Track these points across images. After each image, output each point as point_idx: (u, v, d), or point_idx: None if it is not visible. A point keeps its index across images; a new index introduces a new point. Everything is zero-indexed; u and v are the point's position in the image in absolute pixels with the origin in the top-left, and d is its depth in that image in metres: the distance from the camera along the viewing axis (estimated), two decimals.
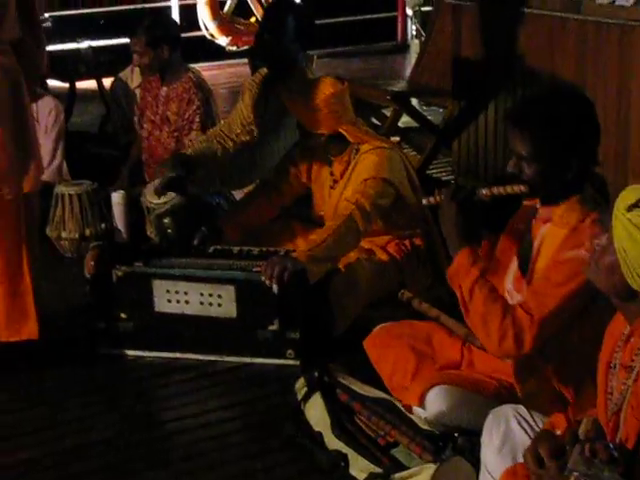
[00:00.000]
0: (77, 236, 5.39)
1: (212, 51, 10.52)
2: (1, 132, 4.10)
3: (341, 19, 11.15)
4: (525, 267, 3.37)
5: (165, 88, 5.69)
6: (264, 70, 5.22)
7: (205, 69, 6.58)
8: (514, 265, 3.42)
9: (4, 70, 4.10)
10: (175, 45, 5.66)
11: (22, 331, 4.28)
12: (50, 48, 7.58)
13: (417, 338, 3.74)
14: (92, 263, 4.52)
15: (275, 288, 4.18)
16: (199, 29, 10.59)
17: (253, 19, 11.17)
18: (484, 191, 3.30)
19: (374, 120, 7.24)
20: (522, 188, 3.24)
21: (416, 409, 3.49)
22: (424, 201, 3.45)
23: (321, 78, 4.61)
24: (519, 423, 3.01)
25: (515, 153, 3.25)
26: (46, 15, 6.81)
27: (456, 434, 3.42)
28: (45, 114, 6.01)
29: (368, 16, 11.40)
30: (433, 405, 3.42)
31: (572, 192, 3.24)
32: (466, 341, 3.65)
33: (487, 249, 3.53)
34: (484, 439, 3.02)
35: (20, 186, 4.22)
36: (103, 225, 5.42)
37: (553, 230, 3.27)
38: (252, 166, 5.18)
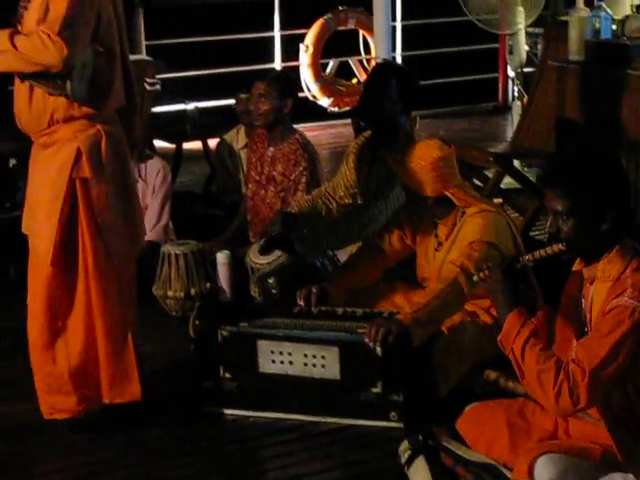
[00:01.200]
0: (182, 295, 5.45)
1: (314, 112, 10.62)
2: (107, 196, 4.21)
3: (442, 80, 11.20)
4: (583, 331, 3.39)
5: (272, 148, 5.75)
6: (368, 133, 5.25)
7: (307, 129, 6.69)
8: (576, 332, 3.43)
9: (111, 138, 4.22)
10: (295, 104, 5.72)
11: (125, 393, 4.35)
12: (158, 109, 7.79)
13: (510, 411, 3.70)
14: (197, 322, 4.58)
15: (379, 350, 4.19)
16: (301, 90, 10.72)
17: (355, 80, 11.28)
18: (526, 257, 3.41)
19: (476, 181, 7.22)
20: (560, 247, 3.31)
21: None
22: (474, 278, 3.55)
23: (427, 141, 4.63)
24: None
25: (551, 211, 3.33)
26: (156, 78, 6.94)
27: None
28: (153, 175, 6.13)
29: (469, 77, 11.43)
30: (542, 475, 3.33)
31: (610, 245, 3.29)
32: None
33: (543, 319, 3.53)
34: None
35: (125, 249, 4.31)
36: (208, 285, 5.48)
37: (598, 287, 3.31)
38: (358, 228, 5.20)
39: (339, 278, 4.81)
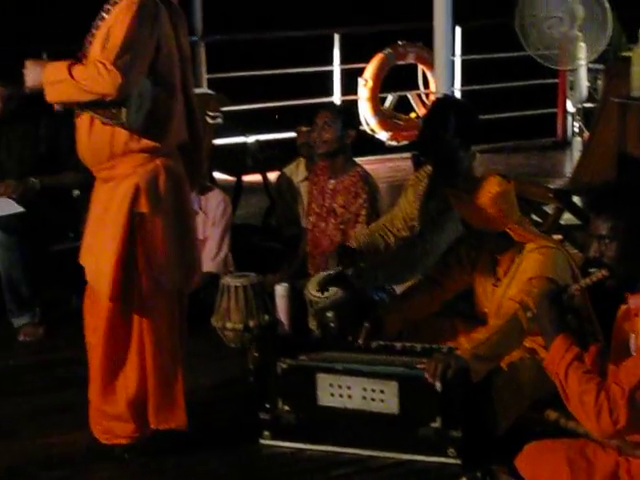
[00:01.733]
0: (241, 327, 5.44)
1: (372, 146, 10.65)
2: (163, 231, 4.25)
3: (501, 115, 11.19)
4: None
5: (332, 181, 5.78)
6: (428, 168, 5.27)
7: (365, 163, 6.70)
8: None
9: (170, 173, 4.26)
10: (357, 136, 5.77)
11: (171, 420, 4.38)
12: (218, 142, 7.86)
13: (571, 450, 3.67)
14: (256, 354, 4.59)
15: (438, 386, 4.18)
16: (360, 124, 10.75)
17: (413, 115, 11.31)
18: (575, 287, 3.48)
19: (535, 217, 7.20)
20: (604, 272, 3.36)
21: None
22: (529, 314, 3.78)
23: (487, 176, 4.63)
24: None
25: (596, 236, 3.39)
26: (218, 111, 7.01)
27: None
28: (213, 207, 6.17)
29: (528, 112, 11.41)
30: None
31: None
32: (621, 452, 3.57)
33: (595, 355, 3.50)
34: None
35: (175, 283, 4.34)
36: (266, 317, 5.49)
37: None
38: (415, 261, 5.21)
39: (395, 308, 4.82)
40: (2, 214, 5.73)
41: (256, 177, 7.91)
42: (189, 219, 4.44)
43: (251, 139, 7.81)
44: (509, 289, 4.56)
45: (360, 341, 4.55)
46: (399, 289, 5.44)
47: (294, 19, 13.82)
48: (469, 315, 4.86)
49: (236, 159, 7.78)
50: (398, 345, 4.54)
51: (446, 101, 5.77)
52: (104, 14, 4.16)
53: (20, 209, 5.75)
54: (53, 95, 4.14)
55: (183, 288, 4.41)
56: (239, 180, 7.74)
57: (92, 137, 4.20)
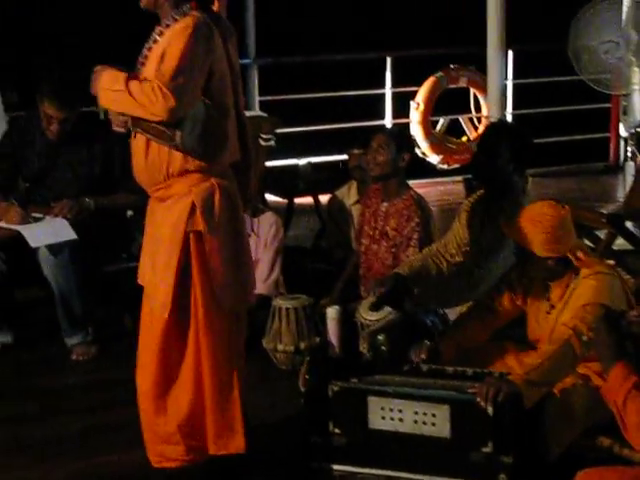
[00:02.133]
0: (292, 349, 5.49)
1: (423, 169, 10.65)
2: (220, 249, 4.27)
3: (553, 139, 11.14)
4: None
5: (385, 204, 5.79)
6: (481, 192, 5.26)
7: (416, 186, 6.72)
8: None
9: (225, 192, 4.28)
10: (411, 160, 5.80)
11: (230, 445, 4.36)
12: (270, 164, 7.91)
13: (624, 477, 3.63)
14: (307, 377, 4.60)
15: (490, 409, 4.16)
16: (414, 147, 10.75)
17: (464, 138, 11.31)
18: (634, 313, 3.56)
19: (587, 242, 7.15)
20: None
21: None
22: (584, 338, 3.84)
23: (542, 202, 4.61)
24: None
25: None
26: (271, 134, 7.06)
27: None
28: (266, 229, 6.21)
29: (580, 136, 11.36)
30: None
31: None
32: None
33: None
34: None
35: (234, 301, 4.35)
36: (317, 339, 5.51)
37: None
38: (469, 287, 5.19)
39: (449, 336, 4.80)
40: (55, 241, 5.78)
41: (307, 199, 7.94)
42: (243, 238, 4.46)
43: (303, 161, 7.84)
44: (562, 315, 4.52)
45: (423, 365, 4.53)
46: (451, 313, 5.43)
47: (346, 42, 13.90)
48: (521, 341, 4.84)
49: (288, 181, 7.82)
50: (449, 369, 4.52)
51: (500, 126, 5.76)
52: (157, 37, 4.21)
53: (73, 236, 5.79)
54: (106, 101, 4.19)
55: (239, 307, 4.41)
56: (291, 202, 7.78)
57: (149, 158, 4.24)
